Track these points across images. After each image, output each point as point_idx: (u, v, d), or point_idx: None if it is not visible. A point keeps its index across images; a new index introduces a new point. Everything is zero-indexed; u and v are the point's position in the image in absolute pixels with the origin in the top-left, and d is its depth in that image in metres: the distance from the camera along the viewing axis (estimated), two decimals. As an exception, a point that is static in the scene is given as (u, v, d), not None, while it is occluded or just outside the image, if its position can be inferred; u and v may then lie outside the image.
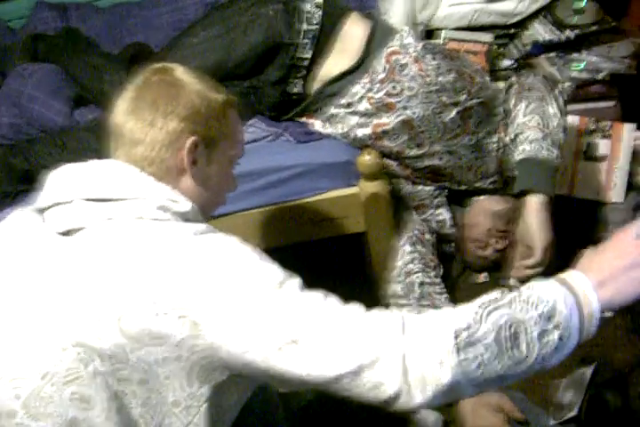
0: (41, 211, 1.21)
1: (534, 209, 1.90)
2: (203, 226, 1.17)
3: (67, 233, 1.15)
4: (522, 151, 1.96)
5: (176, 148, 1.23)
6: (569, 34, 2.42)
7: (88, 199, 1.16)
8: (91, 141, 1.98)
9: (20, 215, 1.24)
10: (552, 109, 1.99)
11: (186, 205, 1.21)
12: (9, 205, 1.98)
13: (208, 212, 1.36)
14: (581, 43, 2.45)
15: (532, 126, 1.97)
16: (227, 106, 1.31)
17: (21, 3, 2.82)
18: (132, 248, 1.09)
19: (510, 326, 1.01)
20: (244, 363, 1.03)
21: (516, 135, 2.01)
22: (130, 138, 1.23)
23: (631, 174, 2.33)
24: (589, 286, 1.05)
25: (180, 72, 1.29)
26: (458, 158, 2.08)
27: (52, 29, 2.58)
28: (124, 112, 1.24)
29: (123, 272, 1.07)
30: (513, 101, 2.08)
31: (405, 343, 1.00)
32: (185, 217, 1.20)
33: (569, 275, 1.09)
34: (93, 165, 1.23)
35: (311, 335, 1.02)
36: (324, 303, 1.06)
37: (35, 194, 1.25)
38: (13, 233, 1.21)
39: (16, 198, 2.00)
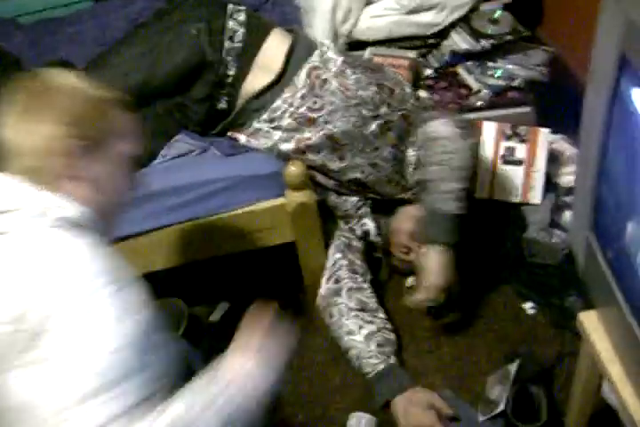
0: None
1: (433, 255, 1.97)
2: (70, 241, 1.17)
3: None
4: (426, 201, 2.00)
5: (57, 153, 1.19)
6: (485, 43, 2.49)
7: None
8: None
9: None
10: (461, 162, 1.96)
11: (73, 209, 1.20)
12: None
13: (110, 213, 1.32)
14: (497, 51, 2.53)
15: (435, 178, 1.97)
16: (109, 103, 1.26)
17: (-60, 18, 2.77)
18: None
19: None
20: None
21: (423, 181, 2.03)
22: (14, 151, 1.20)
23: (549, 176, 2.42)
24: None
25: (53, 75, 1.26)
26: (378, 171, 2.12)
27: (-29, 46, 2.54)
28: (4, 125, 1.20)
29: None
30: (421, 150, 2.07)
31: None
32: (76, 222, 1.19)
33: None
34: None
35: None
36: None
37: None
38: None
39: None
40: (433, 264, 1.98)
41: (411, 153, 2.16)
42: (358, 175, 2.12)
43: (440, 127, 1.99)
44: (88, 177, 1.24)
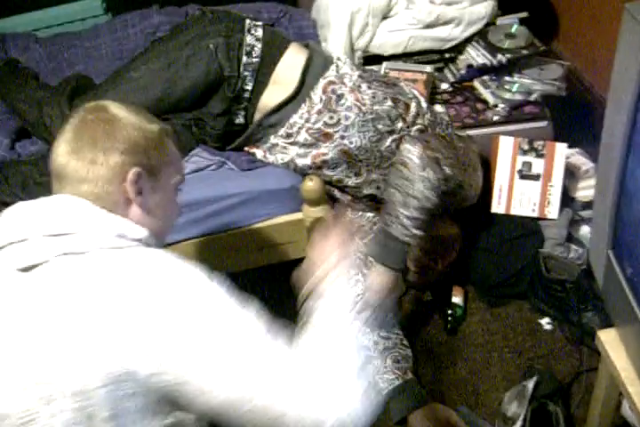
0: None
1: (374, 273, 1.98)
2: (164, 254, 1.19)
3: (26, 269, 1.15)
4: (380, 219, 2.00)
5: (119, 180, 1.25)
6: (501, 58, 2.48)
7: (44, 235, 1.16)
8: (34, 175, 1.98)
9: None
10: (414, 192, 1.90)
11: (141, 231, 1.24)
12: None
13: (161, 238, 1.38)
14: (514, 66, 2.52)
15: (389, 200, 1.94)
16: (163, 135, 1.33)
17: (-41, 33, 2.80)
18: (94, 283, 1.11)
19: None
20: (206, 403, 1.08)
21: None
22: (73, 177, 1.24)
23: (566, 190, 2.41)
24: None
25: (114, 108, 1.31)
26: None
27: (-10, 60, 2.57)
28: (64, 153, 1.25)
29: (85, 309, 1.08)
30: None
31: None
32: (144, 242, 1.23)
33: None
34: (45, 201, 1.25)
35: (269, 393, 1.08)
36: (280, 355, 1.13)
37: None
38: None
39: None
40: (371, 282, 1.98)
41: None
42: (374, 191, 2.12)
43: (409, 152, 1.93)
44: (144, 203, 1.29)
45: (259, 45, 2.02)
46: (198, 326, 1.09)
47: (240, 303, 1.16)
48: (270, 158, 2.09)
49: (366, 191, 2.12)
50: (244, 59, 2.00)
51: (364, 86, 2.03)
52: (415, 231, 1.91)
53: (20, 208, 1.24)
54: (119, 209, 1.25)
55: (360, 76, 2.05)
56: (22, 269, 1.15)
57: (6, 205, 1.28)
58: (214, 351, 1.08)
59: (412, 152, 1.91)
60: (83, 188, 1.24)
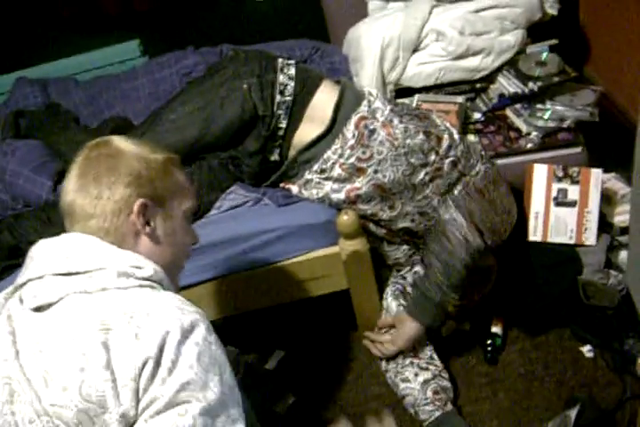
0: (19, 287, 1.26)
1: (405, 326, 2.08)
2: (166, 298, 1.21)
3: (39, 309, 1.19)
4: (419, 277, 2.11)
5: (126, 213, 1.27)
6: (533, 86, 2.49)
7: (56, 274, 1.21)
8: None
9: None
10: (456, 264, 1.98)
11: (148, 269, 1.25)
12: (-4, 281, 2.02)
13: (177, 266, 1.41)
14: (545, 93, 2.53)
15: (433, 267, 2.01)
16: (168, 164, 1.35)
17: (2, 79, 2.90)
18: (92, 321, 1.14)
19: None
20: None
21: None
22: (81, 214, 1.28)
23: (603, 216, 2.40)
24: None
25: (117, 141, 1.34)
26: (428, 220, 2.11)
27: (33, 104, 2.65)
28: (71, 191, 1.29)
29: (81, 345, 1.12)
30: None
31: None
32: (150, 280, 1.25)
33: None
34: (59, 240, 1.29)
35: None
36: None
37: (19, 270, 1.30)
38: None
39: (2, 274, 2.04)
40: (400, 333, 2.09)
41: None
42: (409, 224, 2.13)
43: (453, 226, 2.01)
44: (153, 233, 1.31)
45: (291, 84, 2.05)
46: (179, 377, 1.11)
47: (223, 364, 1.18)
48: (305, 194, 2.12)
49: (401, 224, 2.13)
50: (278, 97, 2.03)
51: (395, 121, 2.05)
52: (453, 295, 2.01)
53: (40, 246, 1.29)
54: (129, 242, 1.28)
55: (392, 111, 2.07)
56: (35, 309, 1.19)
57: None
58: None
59: (456, 227, 1.99)
60: (91, 223, 1.27)
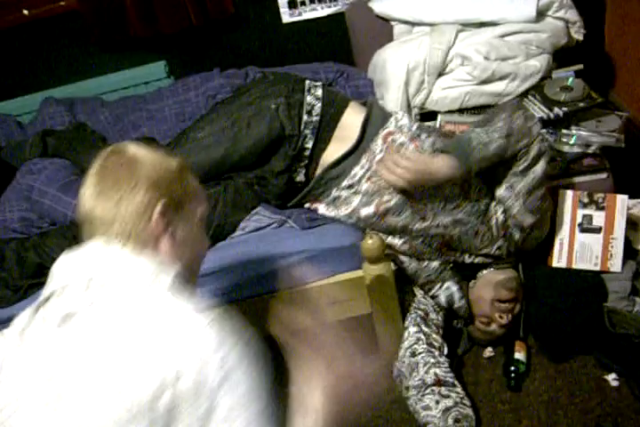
0: (43, 302, 1.25)
1: (433, 163, 1.96)
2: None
3: (62, 322, 1.18)
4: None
5: (147, 216, 1.27)
6: (558, 111, 2.49)
7: (77, 285, 1.21)
8: None
9: (23, 317, 1.27)
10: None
11: (167, 275, 1.25)
12: (20, 299, 2.03)
13: (195, 268, 1.42)
14: (571, 118, 2.52)
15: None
16: (183, 169, 1.36)
17: (29, 99, 2.92)
18: (122, 333, 1.14)
19: None
20: None
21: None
22: (102, 220, 1.27)
23: (629, 242, 2.38)
24: None
25: (132, 148, 1.34)
26: (463, 225, 2.11)
27: (60, 124, 2.67)
28: (90, 198, 1.28)
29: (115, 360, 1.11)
30: None
31: None
32: (174, 282, 1.25)
33: None
34: (80, 251, 1.28)
35: None
36: None
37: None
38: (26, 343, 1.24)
39: (27, 292, 2.05)
40: (423, 163, 1.96)
41: (494, 204, 2.16)
42: (442, 231, 2.12)
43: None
44: (176, 236, 1.32)
45: (319, 104, 2.07)
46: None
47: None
48: (332, 212, 2.12)
49: (434, 232, 2.12)
50: (305, 117, 2.05)
51: (423, 135, 2.07)
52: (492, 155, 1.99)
53: (63, 259, 1.29)
54: (150, 245, 1.28)
55: (419, 127, 2.09)
56: (57, 324, 1.18)
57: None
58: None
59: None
60: (112, 229, 1.27)
